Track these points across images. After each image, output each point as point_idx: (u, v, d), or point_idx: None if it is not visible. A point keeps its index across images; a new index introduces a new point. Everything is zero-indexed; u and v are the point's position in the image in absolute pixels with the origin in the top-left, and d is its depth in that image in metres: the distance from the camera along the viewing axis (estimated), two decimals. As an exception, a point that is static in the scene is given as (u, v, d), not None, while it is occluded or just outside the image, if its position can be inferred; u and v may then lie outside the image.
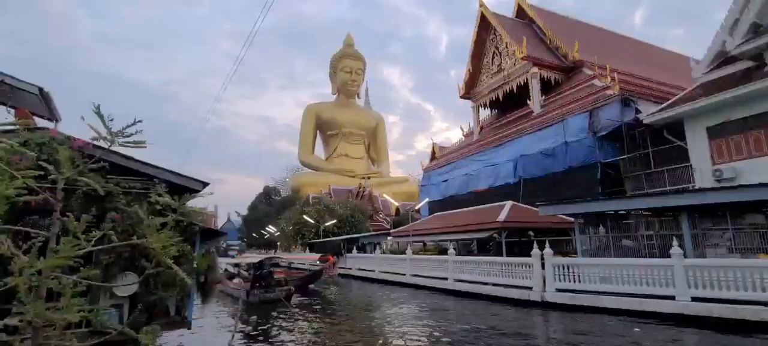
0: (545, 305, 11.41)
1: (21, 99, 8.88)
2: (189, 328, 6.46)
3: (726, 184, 12.25)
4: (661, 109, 15.16)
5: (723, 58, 14.35)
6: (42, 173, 1.82)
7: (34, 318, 1.32)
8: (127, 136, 1.85)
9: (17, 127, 5.39)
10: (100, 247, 1.84)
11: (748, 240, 10.02)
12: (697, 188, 13.28)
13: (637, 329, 8.69)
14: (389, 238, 26.55)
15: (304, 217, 37.13)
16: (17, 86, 8.46)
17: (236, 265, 20.58)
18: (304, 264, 28.77)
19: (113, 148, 1.85)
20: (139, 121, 1.81)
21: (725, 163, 13.09)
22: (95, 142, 2.46)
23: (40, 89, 8.90)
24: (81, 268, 1.70)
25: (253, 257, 39.52)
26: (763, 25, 12.83)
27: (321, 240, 34.09)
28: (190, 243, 6.10)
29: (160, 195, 2.37)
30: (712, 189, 11.25)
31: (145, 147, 1.85)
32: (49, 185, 1.94)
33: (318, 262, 19.52)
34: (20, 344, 1.41)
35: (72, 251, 1.45)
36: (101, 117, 1.69)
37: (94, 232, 1.78)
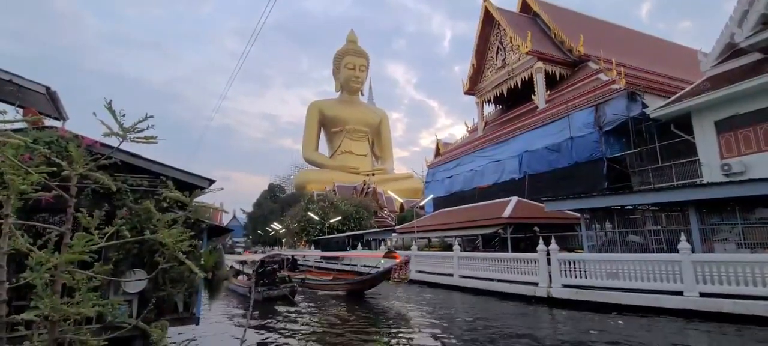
0: (551, 301, 11.38)
1: (28, 98, 8.95)
2: (197, 324, 6.53)
3: (735, 178, 12.10)
4: (668, 103, 14.99)
5: (732, 51, 14.14)
6: (55, 169, 1.84)
7: (50, 313, 1.34)
8: (139, 132, 1.86)
9: (25, 127, 5.44)
10: (113, 242, 1.85)
11: (757, 235, 9.90)
12: (705, 182, 13.14)
13: (620, 322, 8.79)
14: (394, 234, 26.56)
15: (309, 214, 37.23)
16: (24, 86, 8.52)
17: (242, 262, 20.64)
18: (309, 261, 28.72)
19: (125, 143, 1.86)
20: (151, 116, 1.81)
21: (734, 158, 12.93)
22: (103, 141, 2.46)
23: (47, 88, 8.95)
24: (95, 263, 1.71)
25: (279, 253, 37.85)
26: (773, 17, 12.62)
27: (326, 237, 34.20)
28: (198, 240, 6.15)
29: (172, 190, 2.38)
30: (721, 183, 11.12)
31: (157, 142, 1.86)
32: (59, 182, 1.95)
33: (382, 260, 15.19)
34: (38, 338, 1.42)
35: (87, 246, 1.46)
36: (113, 113, 1.69)
37: (106, 228, 1.79)
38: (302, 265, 26.90)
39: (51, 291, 1.36)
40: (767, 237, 9.73)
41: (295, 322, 10.64)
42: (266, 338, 8.86)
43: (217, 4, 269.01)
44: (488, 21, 27.80)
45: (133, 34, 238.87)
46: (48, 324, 1.40)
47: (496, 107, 30.60)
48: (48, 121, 8.48)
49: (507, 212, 16.24)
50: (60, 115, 10.23)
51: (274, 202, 63.36)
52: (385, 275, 13.90)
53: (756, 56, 13.47)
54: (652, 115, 15.40)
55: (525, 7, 28.75)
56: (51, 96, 9.24)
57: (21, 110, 8.44)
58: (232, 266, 20.13)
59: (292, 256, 25.33)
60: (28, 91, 8.70)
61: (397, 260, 13.52)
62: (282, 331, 9.52)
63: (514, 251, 15.43)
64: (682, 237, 9.54)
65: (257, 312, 11.60)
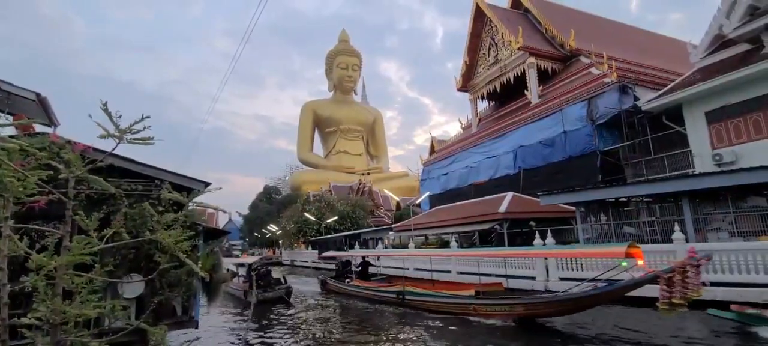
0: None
1: (18, 105, 8.83)
2: (196, 327, 6.50)
3: (726, 168, 12.27)
4: (660, 96, 15.15)
5: (721, 42, 14.32)
6: (51, 173, 1.82)
7: (51, 316, 1.33)
8: (135, 133, 1.85)
9: (17, 133, 5.37)
10: (111, 245, 1.84)
11: (749, 223, 10.06)
12: (697, 172, 13.29)
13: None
14: (391, 233, 26.59)
15: (306, 215, 37.14)
16: (14, 92, 8.40)
17: (240, 264, 20.54)
18: (306, 262, 28.51)
19: (122, 145, 1.86)
20: (147, 117, 1.81)
21: (725, 147, 13.10)
22: (95, 146, 2.43)
23: (38, 94, 8.84)
24: (95, 265, 1.71)
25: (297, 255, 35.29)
26: (761, 7, 12.79)
27: (324, 237, 34.15)
28: (196, 242, 6.12)
29: (170, 191, 2.38)
30: (712, 173, 11.27)
31: (153, 143, 1.85)
32: (55, 187, 1.94)
33: (624, 263, 7.51)
34: (43, 338, 1.41)
35: (86, 248, 1.45)
36: (109, 114, 1.68)
37: (105, 230, 1.79)
38: (379, 272, 17.68)
39: (52, 294, 1.35)
40: (759, 225, 9.89)
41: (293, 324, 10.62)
42: (266, 339, 8.84)
43: (207, 4, 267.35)
44: (479, 17, 27.86)
45: (123, 37, 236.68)
46: (49, 327, 1.40)
47: (489, 103, 30.70)
48: (39, 128, 8.39)
49: (503, 208, 16.31)
50: (51, 122, 10.11)
51: (269, 203, 63.02)
52: (624, 289, 7.48)
53: (744, 47, 13.65)
54: (643, 108, 15.56)
55: (515, 3, 28.80)
56: (41, 102, 9.13)
57: (11, 117, 8.33)
58: (229, 269, 20.01)
59: (364, 257, 17.27)
60: (18, 98, 8.59)
61: (639, 265, 7.03)
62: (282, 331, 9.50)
63: (510, 245, 15.51)
64: (676, 227, 9.66)
65: (250, 313, 11.57)
